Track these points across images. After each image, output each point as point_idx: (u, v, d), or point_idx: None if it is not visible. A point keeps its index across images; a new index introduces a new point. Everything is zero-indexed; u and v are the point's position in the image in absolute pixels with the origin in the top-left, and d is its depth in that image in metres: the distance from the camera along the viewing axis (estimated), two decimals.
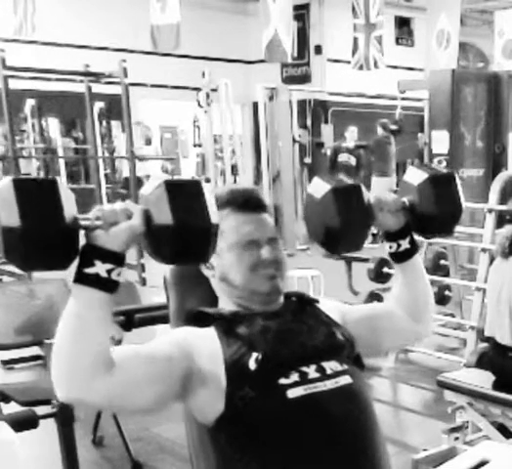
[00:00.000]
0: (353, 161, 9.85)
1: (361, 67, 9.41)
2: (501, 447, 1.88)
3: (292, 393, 1.38)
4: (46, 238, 1.16)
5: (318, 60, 13.89)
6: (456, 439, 2.95)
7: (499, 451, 1.67)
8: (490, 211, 4.17)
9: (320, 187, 1.48)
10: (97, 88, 7.96)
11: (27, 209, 1.14)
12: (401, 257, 1.60)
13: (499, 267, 3.02)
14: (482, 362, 3.17)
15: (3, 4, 8.81)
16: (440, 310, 5.18)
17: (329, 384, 1.42)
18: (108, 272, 1.22)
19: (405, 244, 1.58)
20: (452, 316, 4.92)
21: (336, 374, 1.44)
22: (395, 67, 12.24)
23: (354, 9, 9.34)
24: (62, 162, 11.06)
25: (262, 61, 9.53)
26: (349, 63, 9.55)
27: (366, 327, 1.63)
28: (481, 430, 3.01)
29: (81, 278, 1.22)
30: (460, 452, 2.70)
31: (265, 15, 8.75)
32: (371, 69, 9.40)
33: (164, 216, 1.23)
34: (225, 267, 1.52)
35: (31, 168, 10.37)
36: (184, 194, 1.26)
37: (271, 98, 9.05)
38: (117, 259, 1.23)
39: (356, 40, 9.37)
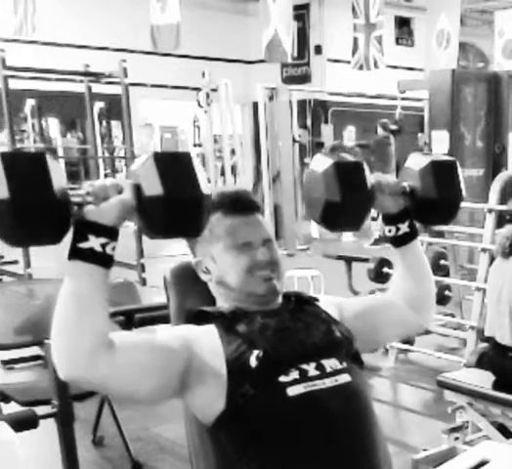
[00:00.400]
0: None
1: (361, 67, 9.41)
2: (501, 447, 1.88)
3: (292, 391, 1.38)
4: (35, 210, 1.15)
5: (318, 60, 13.90)
6: (456, 439, 2.95)
7: (499, 451, 1.67)
8: (490, 211, 4.16)
9: (322, 161, 1.48)
10: (97, 88, 7.96)
11: (16, 181, 1.14)
12: (400, 241, 1.60)
13: (499, 267, 3.02)
14: (482, 362, 3.16)
15: (3, 4, 8.81)
16: (440, 310, 5.18)
17: (329, 382, 1.42)
18: (103, 246, 1.23)
19: (404, 228, 1.58)
20: (452, 316, 4.91)
21: (335, 372, 1.44)
22: (395, 67, 12.24)
23: (354, 9, 9.34)
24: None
25: (262, 61, 9.54)
26: (349, 63, 9.55)
27: (364, 321, 1.62)
28: (481, 430, 3.01)
29: (76, 253, 1.22)
30: (460, 452, 2.70)
31: (265, 15, 8.75)
32: (371, 69, 9.41)
33: (154, 187, 1.22)
34: (221, 270, 1.52)
35: None
36: (173, 165, 1.26)
37: (271, 98, 9.05)
38: (111, 233, 1.23)
39: (356, 40, 9.38)
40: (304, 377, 1.40)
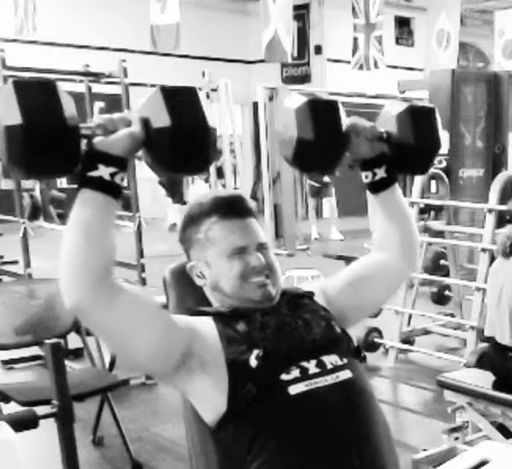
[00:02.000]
0: None
1: (361, 67, 9.41)
2: (501, 446, 1.87)
3: (294, 389, 1.38)
4: (47, 135, 1.18)
5: (318, 60, 13.89)
6: (456, 439, 2.95)
7: (499, 451, 1.67)
8: (490, 211, 4.17)
9: (296, 99, 1.47)
10: (97, 88, 7.95)
11: (28, 107, 1.17)
12: (378, 187, 1.57)
13: (500, 267, 3.02)
14: (482, 362, 3.17)
15: (3, 4, 8.82)
16: (440, 310, 5.18)
17: (330, 379, 1.42)
18: (112, 175, 1.26)
19: (380, 173, 1.55)
20: (452, 316, 4.91)
21: (336, 369, 1.44)
22: (395, 67, 12.24)
23: (354, 9, 9.34)
24: None
25: (262, 61, 9.54)
26: (349, 63, 9.55)
27: (350, 295, 1.61)
28: (481, 430, 3.00)
29: (85, 182, 1.25)
30: (460, 452, 2.70)
31: (265, 15, 8.75)
32: (371, 69, 9.40)
33: (162, 118, 1.25)
34: (215, 276, 1.52)
35: None
36: (180, 98, 1.28)
37: (271, 98, 9.04)
38: (120, 163, 1.26)
39: (356, 40, 9.38)
40: (305, 375, 1.40)
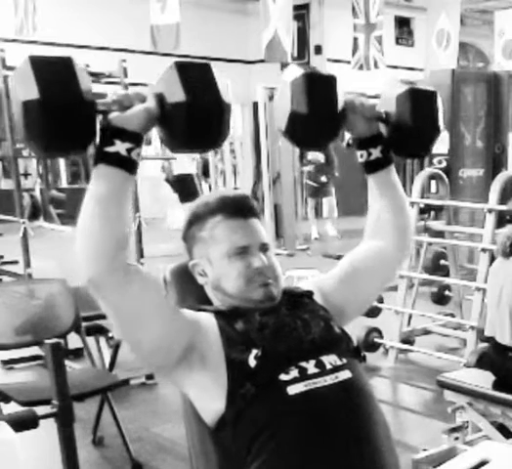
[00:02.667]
0: (321, 158, 9.89)
1: (361, 67, 9.41)
2: (501, 446, 1.87)
3: (292, 389, 1.38)
4: (65, 110, 1.19)
5: (318, 60, 13.87)
6: (456, 439, 2.95)
7: (499, 451, 1.67)
8: (490, 211, 4.17)
9: (293, 72, 1.45)
10: (97, 88, 7.95)
11: (45, 82, 1.17)
12: (373, 167, 1.57)
13: (500, 267, 3.02)
14: (482, 362, 3.17)
15: (3, 4, 8.82)
16: (440, 310, 5.18)
17: (329, 379, 1.42)
18: (128, 151, 1.28)
19: (376, 153, 1.55)
20: (452, 316, 4.91)
21: (336, 369, 1.44)
22: (395, 67, 12.22)
23: (354, 9, 9.33)
24: (62, 162, 11.06)
25: (262, 61, 9.53)
26: (349, 63, 9.54)
27: (347, 289, 1.61)
28: (481, 430, 3.00)
29: (102, 158, 1.27)
30: (460, 452, 2.70)
31: (265, 15, 8.75)
32: (371, 69, 9.40)
33: (177, 94, 1.25)
34: (218, 274, 1.52)
35: (32, 168, 10.38)
36: (194, 73, 1.29)
37: (271, 98, 9.04)
38: (136, 139, 1.28)
39: (356, 40, 9.37)
40: (304, 375, 1.40)
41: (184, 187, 10.60)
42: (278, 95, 1.48)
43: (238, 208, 1.54)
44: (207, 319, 1.46)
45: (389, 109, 1.53)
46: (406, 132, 1.52)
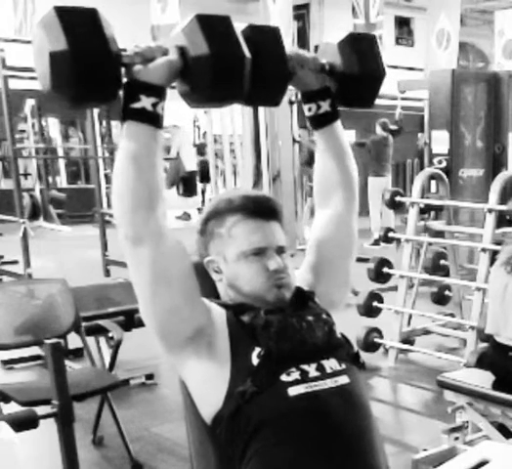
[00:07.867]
0: None
1: None
2: (501, 446, 1.87)
3: (293, 391, 1.38)
4: (93, 60, 1.20)
5: None
6: (456, 439, 2.95)
7: (499, 451, 1.67)
8: (490, 211, 4.17)
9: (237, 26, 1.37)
10: None
11: (73, 32, 1.18)
12: (322, 121, 1.57)
13: (499, 275, 2.98)
14: (482, 362, 3.16)
15: (3, 4, 8.81)
16: (440, 310, 5.18)
17: (329, 383, 1.42)
18: (154, 105, 1.29)
19: (324, 106, 1.55)
20: (452, 316, 4.91)
21: (335, 373, 1.45)
22: (395, 67, 12.22)
23: (354, 9, 9.33)
24: (62, 162, 11.05)
25: None
26: None
27: (323, 278, 1.64)
28: (481, 430, 3.00)
29: (129, 114, 1.30)
30: (460, 452, 2.70)
31: (265, 15, 8.75)
32: None
33: (200, 46, 1.26)
34: (233, 273, 1.52)
35: (32, 168, 10.38)
36: (215, 25, 1.29)
37: None
38: (160, 92, 1.30)
39: None
40: (305, 378, 1.41)
41: (191, 183, 10.91)
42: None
43: (260, 209, 1.53)
44: (217, 311, 1.47)
45: (333, 59, 1.52)
46: (353, 79, 1.52)
